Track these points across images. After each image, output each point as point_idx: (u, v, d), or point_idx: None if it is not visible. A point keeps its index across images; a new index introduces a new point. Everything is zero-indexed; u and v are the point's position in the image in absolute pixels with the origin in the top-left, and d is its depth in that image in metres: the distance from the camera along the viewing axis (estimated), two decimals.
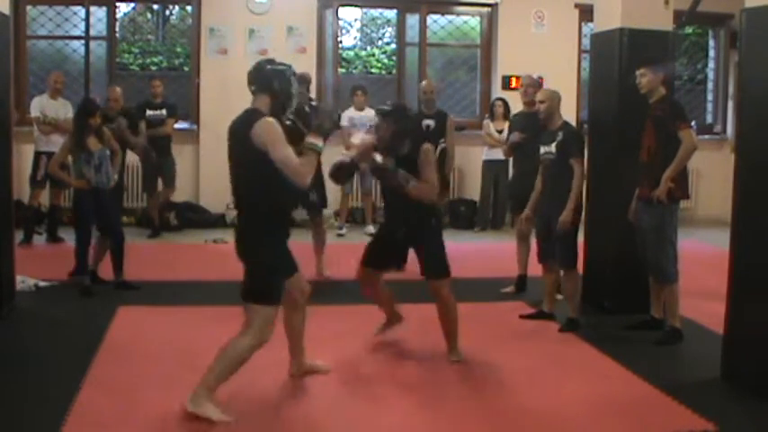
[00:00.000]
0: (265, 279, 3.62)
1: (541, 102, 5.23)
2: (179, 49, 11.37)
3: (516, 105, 9.33)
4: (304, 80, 6.68)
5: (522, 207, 6.00)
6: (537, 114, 5.83)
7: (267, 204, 3.58)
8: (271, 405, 3.81)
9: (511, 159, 6.47)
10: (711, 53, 11.09)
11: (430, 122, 6.63)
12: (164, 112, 8.49)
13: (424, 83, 7.14)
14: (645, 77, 4.89)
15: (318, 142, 3.60)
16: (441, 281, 4.42)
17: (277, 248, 3.67)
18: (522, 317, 5.46)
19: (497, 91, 9.89)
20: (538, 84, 6.00)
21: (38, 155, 7.84)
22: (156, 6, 11.96)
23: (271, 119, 3.54)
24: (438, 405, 3.84)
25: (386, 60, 11.72)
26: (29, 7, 9.42)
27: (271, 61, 3.78)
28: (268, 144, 3.44)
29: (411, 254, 4.51)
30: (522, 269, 6.13)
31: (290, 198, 3.85)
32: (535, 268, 6.11)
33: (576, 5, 9.96)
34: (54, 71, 8.39)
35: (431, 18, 10.18)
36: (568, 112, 7.20)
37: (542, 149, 5.23)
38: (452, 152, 6.67)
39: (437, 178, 4.42)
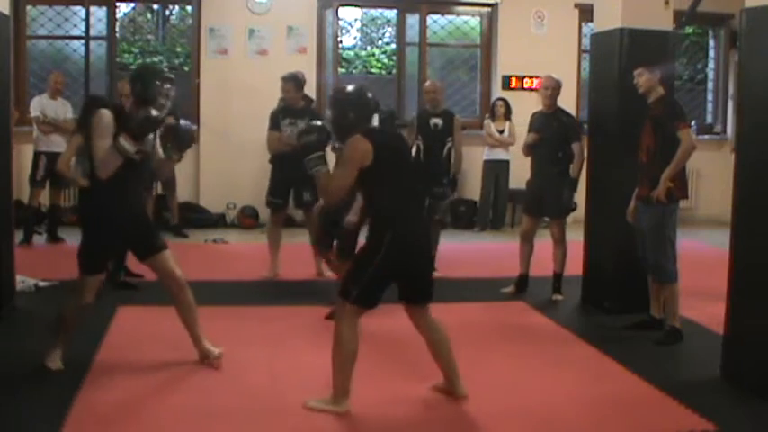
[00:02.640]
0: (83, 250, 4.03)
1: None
2: (179, 49, 11.38)
3: (516, 106, 9.41)
4: (296, 79, 6.53)
5: (535, 207, 5.99)
6: (555, 115, 5.84)
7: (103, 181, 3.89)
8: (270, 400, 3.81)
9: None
10: (711, 53, 11.10)
11: (437, 121, 6.52)
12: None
13: (427, 83, 7.03)
14: (642, 77, 4.90)
15: (125, 143, 3.81)
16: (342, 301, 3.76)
17: (105, 225, 3.98)
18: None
19: (497, 91, 9.89)
20: (559, 86, 5.94)
21: (37, 155, 7.84)
22: (156, 6, 11.96)
23: (104, 110, 3.89)
24: (436, 405, 3.84)
25: (386, 60, 11.73)
26: (29, 7, 9.43)
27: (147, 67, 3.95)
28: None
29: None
30: (524, 269, 6.09)
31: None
32: (536, 268, 6.12)
33: (576, 5, 9.96)
34: (54, 71, 8.39)
35: (431, 18, 10.17)
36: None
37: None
38: (460, 151, 6.60)
39: (345, 180, 3.58)
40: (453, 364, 3.84)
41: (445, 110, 6.71)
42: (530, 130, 6.06)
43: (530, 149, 5.98)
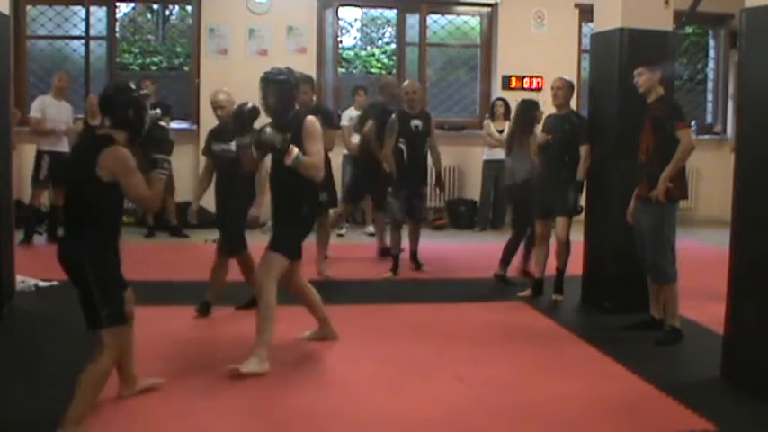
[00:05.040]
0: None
1: (222, 107, 5.33)
2: (179, 49, 11.38)
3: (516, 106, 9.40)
4: (308, 81, 6.51)
5: (543, 210, 5.96)
6: (567, 117, 5.82)
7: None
8: (264, 400, 3.82)
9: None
10: (711, 53, 11.10)
11: (418, 123, 6.56)
12: (158, 111, 8.41)
13: (406, 83, 6.98)
14: (642, 76, 4.90)
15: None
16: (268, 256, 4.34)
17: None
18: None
19: (497, 91, 9.89)
20: (570, 86, 5.90)
21: (40, 154, 7.83)
22: (156, 6, 11.97)
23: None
24: (437, 404, 3.84)
25: (386, 60, 11.73)
26: (29, 7, 9.44)
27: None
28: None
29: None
30: (540, 273, 6.00)
31: None
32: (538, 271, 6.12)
33: (576, 5, 9.97)
34: (58, 71, 8.40)
35: (431, 18, 10.18)
36: None
37: (220, 147, 5.31)
38: (438, 150, 6.77)
39: (322, 154, 4.36)
40: None
41: (422, 110, 6.76)
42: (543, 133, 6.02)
43: (540, 151, 5.95)
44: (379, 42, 12.91)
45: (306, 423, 3.59)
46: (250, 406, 3.75)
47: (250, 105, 4.35)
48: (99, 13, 9.53)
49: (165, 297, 5.64)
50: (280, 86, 4.34)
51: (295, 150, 4.19)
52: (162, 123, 3.99)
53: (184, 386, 3.96)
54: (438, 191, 7.06)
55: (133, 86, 3.63)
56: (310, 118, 4.39)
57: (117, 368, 3.65)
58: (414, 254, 6.82)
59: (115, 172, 3.33)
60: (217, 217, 5.66)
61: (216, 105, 5.37)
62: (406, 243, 6.81)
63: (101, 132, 3.49)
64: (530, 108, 6.30)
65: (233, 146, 5.13)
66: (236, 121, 4.37)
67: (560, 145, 5.76)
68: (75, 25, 9.53)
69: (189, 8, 9.89)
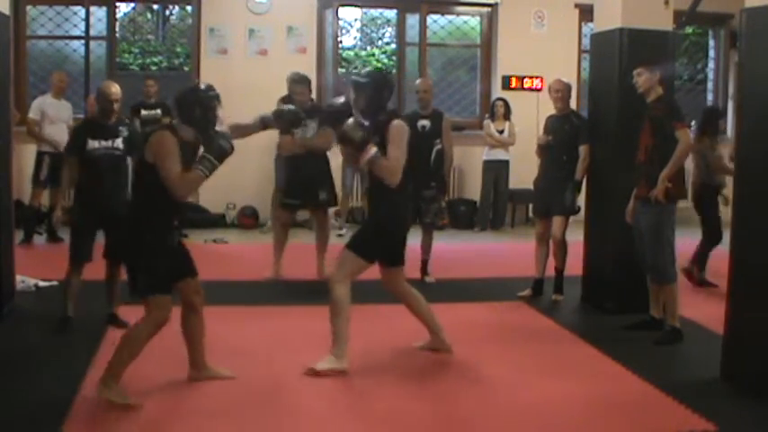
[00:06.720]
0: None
1: (117, 100, 5.10)
2: (179, 49, 11.39)
3: (516, 106, 9.42)
4: (308, 81, 6.50)
5: (542, 209, 5.97)
6: (567, 117, 5.83)
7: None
8: (267, 398, 3.81)
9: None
10: (711, 53, 11.10)
11: (425, 123, 6.40)
12: (158, 111, 8.45)
13: (419, 81, 6.84)
14: (641, 76, 4.91)
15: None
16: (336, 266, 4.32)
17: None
18: None
19: (497, 91, 9.89)
20: (568, 88, 5.89)
21: (40, 154, 7.83)
22: (156, 6, 11.98)
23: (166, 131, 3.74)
24: (437, 404, 3.84)
25: (386, 60, 11.74)
26: (29, 7, 9.44)
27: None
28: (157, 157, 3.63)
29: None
30: (540, 272, 5.99)
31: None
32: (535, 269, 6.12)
33: (576, 5, 9.97)
34: (57, 71, 8.40)
35: (431, 18, 10.18)
36: None
37: (101, 145, 4.90)
38: (450, 153, 6.50)
39: (403, 160, 4.21)
40: None
41: (434, 110, 6.59)
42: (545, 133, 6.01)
43: (540, 151, 5.96)
44: (379, 42, 12.92)
45: (305, 423, 3.59)
46: (247, 409, 3.75)
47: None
48: (99, 13, 9.53)
49: None
50: (365, 88, 4.30)
51: (372, 150, 4.12)
52: (225, 132, 3.94)
53: (182, 387, 3.96)
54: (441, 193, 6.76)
55: (205, 87, 3.83)
56: (397, 122, 4.31)
57: (187, 352, 4.02)
58: (423, 264, 6.60)
59: (154, 153, 3.56)
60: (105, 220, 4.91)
61: (114, 99, 5.04)
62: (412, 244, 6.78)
63: (168, 123, 3.69)
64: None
65: (119, 142, 4.91)
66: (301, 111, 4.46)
67: (561, 145, 5.78)
68: (75, 25, 9.53)
69: (189, 8, 9.89)
